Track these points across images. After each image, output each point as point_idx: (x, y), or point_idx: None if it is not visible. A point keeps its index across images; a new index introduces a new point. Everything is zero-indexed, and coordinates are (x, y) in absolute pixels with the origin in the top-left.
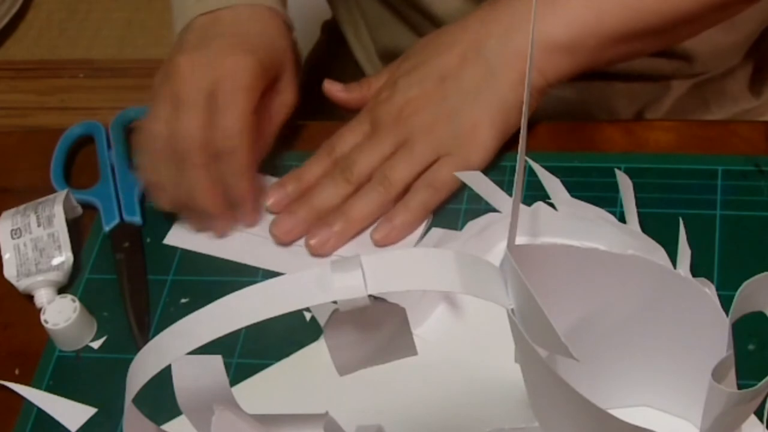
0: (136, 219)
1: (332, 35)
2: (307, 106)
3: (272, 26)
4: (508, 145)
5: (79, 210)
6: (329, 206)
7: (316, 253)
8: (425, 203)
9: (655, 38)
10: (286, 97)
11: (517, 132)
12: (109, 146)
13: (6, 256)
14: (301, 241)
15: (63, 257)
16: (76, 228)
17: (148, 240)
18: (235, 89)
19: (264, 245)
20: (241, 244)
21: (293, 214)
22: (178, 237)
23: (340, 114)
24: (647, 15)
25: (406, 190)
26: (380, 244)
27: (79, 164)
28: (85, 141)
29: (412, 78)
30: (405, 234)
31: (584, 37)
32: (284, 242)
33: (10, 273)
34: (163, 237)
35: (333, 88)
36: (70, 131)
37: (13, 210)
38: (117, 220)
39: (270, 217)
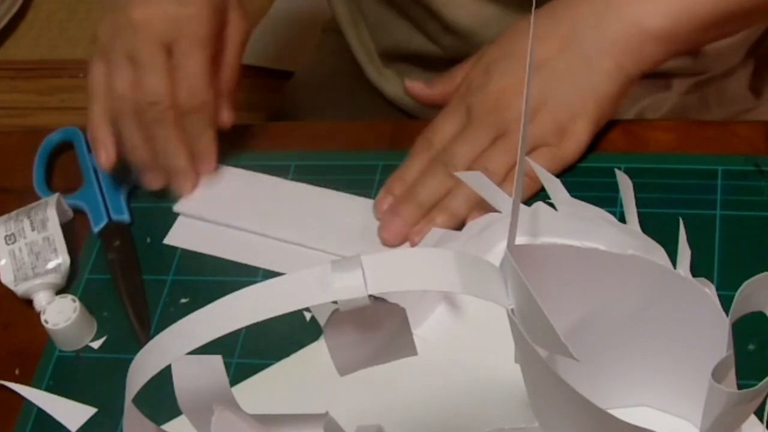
0: (124, 217)
1: (332, 35)
2: (307, 106)
3: None
4: None
5: (70, 213)
6: (434, 201)
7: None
8: (525, 192)
9: (746, 20)
10: (237, 24)
11: None
12: (89, 149)
13: (2, 262)
14: (299, 240)
15: (59, 260)
16: (69, 231)
17: (148, 240)
18: (193, 43)
19: (264, 245)
20: (242, 244)
21: (399, 215)
22: (179, 237)
23: (341, 114)
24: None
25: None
26: None
27: (59, 170)
28: (64, 147)
29: (505, 65)
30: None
31: (679, 26)
32: (394, 245)
33: (7, 278)
34: (157, 234)
35: (415, 87)
36: (48, 139)
37: (5, 216)
38: (105, 221)
39: (270, 212)
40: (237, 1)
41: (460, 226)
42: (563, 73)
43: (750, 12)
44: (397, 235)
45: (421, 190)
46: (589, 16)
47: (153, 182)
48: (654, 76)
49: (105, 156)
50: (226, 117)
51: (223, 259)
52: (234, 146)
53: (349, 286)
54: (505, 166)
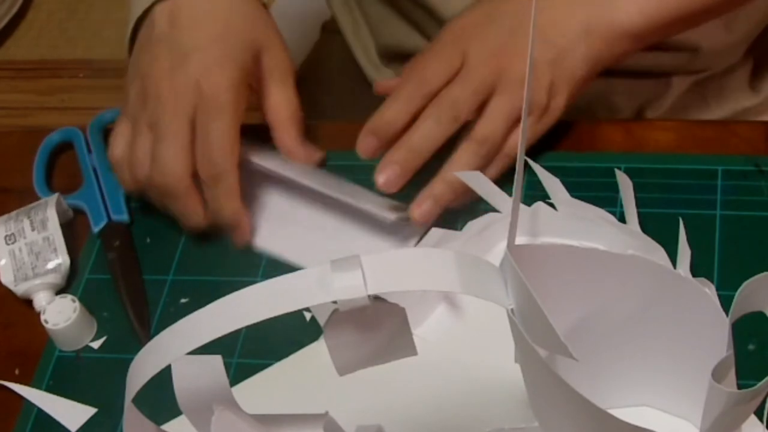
0: (124, 217)
1: (332, 35)
2: (307, 106)
3: (248, 5)
4: None
5: (71, 213)
6: (432, 149)
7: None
8: (501, 171)
9: (713, 12)
10: (285, 64)
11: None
12: (88, 149)
13: (2, 263)
14: (307, 224)
15: (59, 260)
16: (69, 231)
17: (148, 240)
18: (213, 113)
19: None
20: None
21: (397, 163)
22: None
23: (341, 114)
24: None
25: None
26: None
27: (59, 170)
28: (64, 147)
29: (503, 20)
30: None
31: (652, 22)
32: (392, 192)
33: (7, 279)
34: (156, 234)
35: (383, 84)
36: (48, 139)
37: (5, 216)
38: (105, 221)
39: (266, 200)
40: (279, 38)
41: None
42: (558, 42)
43: (718, 5)
44: (395, 184)
45: (420, 135)
46: (569, 8)
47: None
48: (653, 75)
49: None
50: (312, 156)
51: (223, 259)
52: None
53: (349, 286)
54: (506, 127)
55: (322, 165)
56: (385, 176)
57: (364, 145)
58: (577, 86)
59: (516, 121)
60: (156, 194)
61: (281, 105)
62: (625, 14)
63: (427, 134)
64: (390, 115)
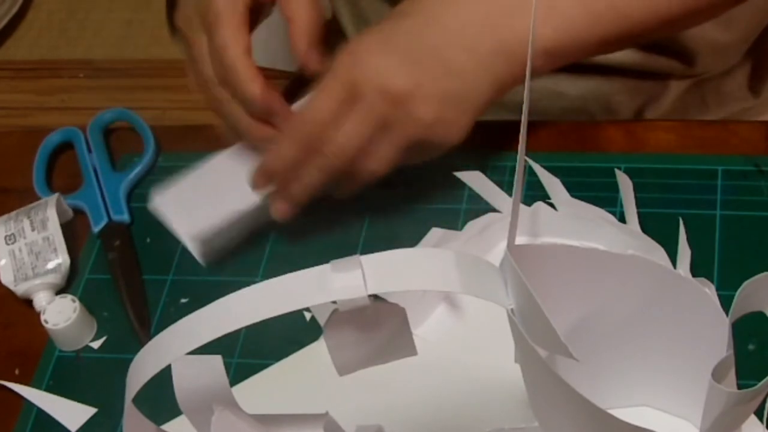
0: (124, 217)
1: (332, 35)
2: None
3: None
4: (508, 144)
5: (70, 213)
6: (311, 192)
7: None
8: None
9: (640, 39)
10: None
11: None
12: (88, 149)
13: (2, 263)
14: None
15: (59, 260)
16: (69, 231)
17: (148, 240)
18: (216, 14)
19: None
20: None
21: (285, 200)
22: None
23: None
24: (638, 20)
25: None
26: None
27: (59, 170)
28: (64, 147)
29: (398, 44)
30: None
31: (571, 43)
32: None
33: (7, 279)
34: (156, 234)
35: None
36: (48, 139)
37: (5, 216)
38: (105, 221)
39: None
40: None
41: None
42: (457, 68)
43: (646, 32)
44: (287, 216)
45: (297, 186)
46: (488, 21)
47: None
48: (653, 75)
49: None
50: (315, 62)
51: (223, 259)
52: None
53: (349, 286)
54: (388, 162)
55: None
56: (276, 209)
57: (255, 184)
58: (477, 113)
59: (371, 142)
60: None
61: (302, 8)
62: (539, 31)
63: (307, 183)
64: (273, 161)
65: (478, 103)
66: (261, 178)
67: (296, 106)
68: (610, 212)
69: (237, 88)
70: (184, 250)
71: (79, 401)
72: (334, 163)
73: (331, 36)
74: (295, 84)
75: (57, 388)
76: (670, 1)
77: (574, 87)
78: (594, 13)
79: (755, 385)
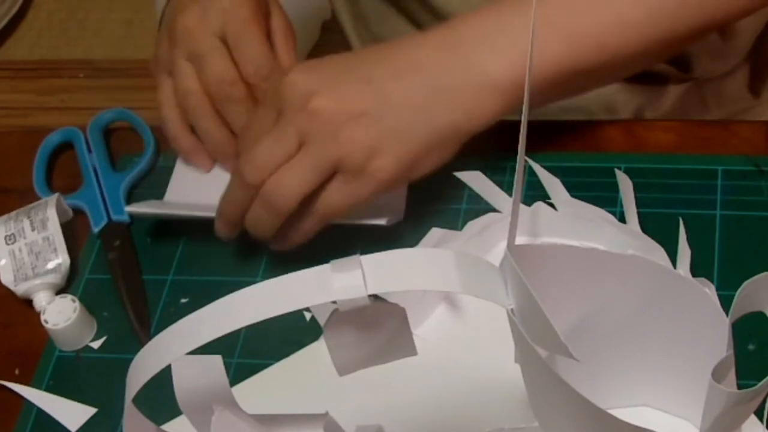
0: (124, 217)
1: (332, 35)
2: None
3: None
4: (508, 145)
5: (70, 213)
6: (240, 212)
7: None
8: (313, 229)
9: (598, 77)
10: (280, 20)
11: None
12: (88, 149)
13: (2, 263)
14: None
15: (59, 260)
16: (68, 231)
17: (148, 240)
18: (243, 23)
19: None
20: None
21: (219, 226)
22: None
23: None
24: (591, 52)
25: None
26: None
27: (59, 170)
28: (64, 147)
29: (333, 69)
30: (291, 247)
31: (520, 78)
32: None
33: (7, 279)
34: (156, 234)
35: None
36: (48, 139)
37: (5, 216)
38: (105, 221)
39: None
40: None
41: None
42: (394, 99)
43: (597, 72)
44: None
45: (224, 204)
46: (435, 57)
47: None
48: (649, 79)
49: (200, 161)
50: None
51: (223, 259)
52: None
53: (349, 286)
54: (299, 192)
55: None
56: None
57: (220, 233)
58: (419, 154)
59: (315, 185)
60: (206, 118)
61: (285, 27)
62: (489, 69)
63: (257, 224)
64: (226, 208)
65: (407, 140)
66: (224, 227)
67: None
68: (610, 212)
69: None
70: (184, 250)
71: (79, 401)
72: (253, 183)
73: (332, 36)
74: None
75: (57, 388)
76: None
77: None
78: (542, 42)
79: (755, 385)
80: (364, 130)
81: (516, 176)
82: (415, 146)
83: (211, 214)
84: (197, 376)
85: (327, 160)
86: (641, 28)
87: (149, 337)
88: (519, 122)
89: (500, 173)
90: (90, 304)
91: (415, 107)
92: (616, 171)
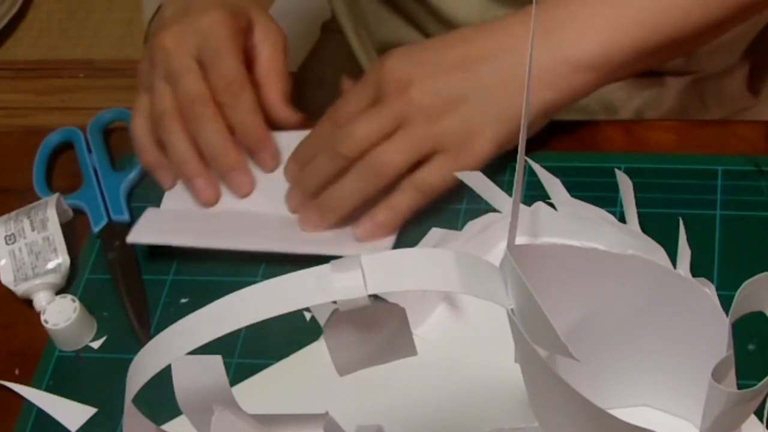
0: (124, 217)
1: (332, 35)
2: (307, 106)
3: None
4: None
5: (70, 213)
6: (323, 183)
7: (307, 231)
8: (410, 206)
9: (677, 49)
10: (278, 35)
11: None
12: (88, 149)
13: (2, 263)
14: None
15: (59, 260)
16: (69, 231)
17: None
18: (219, 41)
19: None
20: (213, 227)
21: (293, 196)
22: (144, 233)
23: None
24: (668, 29)
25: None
26: (361, 239)
27: (59, 170)
28: (64, 147)
29: (428, 55)
30: (387, 233)
31: (610, 55)
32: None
33: (7, 279)
34: None
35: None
36: (48, 139)
37: (5, 216)
38: (105, 221)
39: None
40: (267, 16)
41: (340, 221)
42: (488, 82)
43: (680, 42)
44: (293, 211)
45: (311, 171)
46: (523, 38)
47: (204, 191)
48: (648, 75)
49: (163, 177)
50: (291, 117)
51: (222, 259)
52: None
53: (349, 286)
54: (399, 164)
55: (303, 127)
56: (303, 222)
57: (290, 203)
58: (512, 131)
59: (413, 160)
60: (175, 135)
61: (270, 63)
62: (581, 49)
63: (318, 172)
64: (308, 178)
65: (507, 116)
66: (298, 197)
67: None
68: (610, 212)
69: (242, 114)
70: (184, 251)
71: (79, 401)
72: (347, 155)
73: (331, 36)
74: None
75: (57, 388)
76: (689, 14)
77: None
78: (621, 30)
79: (755, 385)
80: (461, 115)
81: (516, 176)
82: (509, 125)
83: (213, 244)
84: (197, 376)
85: (427, 140)
86: None
87: (149, 337)
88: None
89: (500, 173)
90: (90, 304)
91: (508, 88)
92: (616, 171)
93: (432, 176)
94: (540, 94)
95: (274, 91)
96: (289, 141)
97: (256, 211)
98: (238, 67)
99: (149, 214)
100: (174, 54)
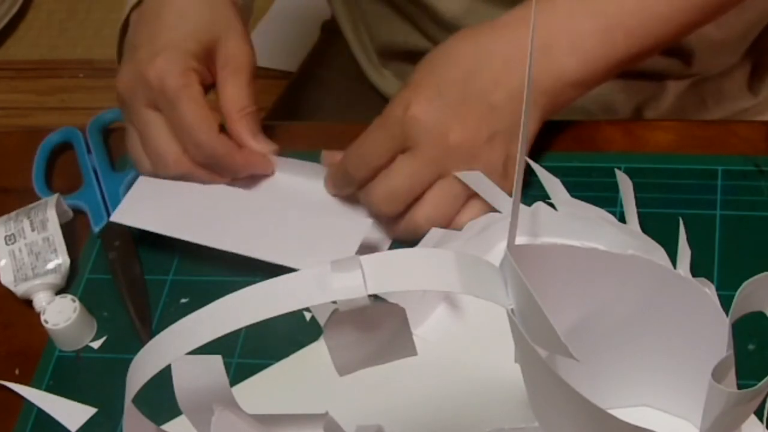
0: None
1: (332, 35)
2: (306, 106)
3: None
4: None
5: (70, 213)
6: None
7: None
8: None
9: (655, 51)
10: (240, 57)
11: None
12: (88, 149)
13: (2, 263)
14: (265, 218)
15: (59, 260)
16: (68, 231)
17: (148, 240)
18: (172, 97)
19: (225, 224)
20: (200, 223)
21: None
22: (129, 214)
23: (341, 114)
24: (655, 36)
25: None
26: None
27: (59, 170)
28: (64, 147)
29: (452, 97)
30: None
31: (596, 70)
32: None
33: (7, 279)
34: (156, 234)
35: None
36: (48, 139)
37: (5, 216)
38: (105, 221)
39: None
40: (232, 24)
41: None
42: (506, 109)
43: (661, 47)
44: None
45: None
46: (521, 59)
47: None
48: (651, 75)
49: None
50: (264, 149)
51: (222, 259)
52: None
53: (349, 286)
54: (451, 214)
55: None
56: None
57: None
58: (529, 146)
59: (463, 203)
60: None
61: (232, 98)
62: (566, 65)
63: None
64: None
65: (528, 138)
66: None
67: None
68: (610, 212)
69: (220, 162)
70: (184, 250)
71: (79, 401)
72: (386, 212)
73: (331, 36)
74: (295, 84)
75: (57, 388)
76: (672, 19)
77: None
78: (610, 42)
79: (755, 385)
80: (498, 148)
81: (516, 176)
82: (531, 139)
83: (190, 238)
84: (197, 376)
85: (458, 192)
86: None
87: (151, 337)
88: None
89: None
90: (90, 304)
91: (521, 113)
92: (616, 171)
93: (479, 213)
94: (534, 115)
95: (239, 129)
96: (282, 164)
97: (240, 212)
98: (195, 122)
99: (136, 192)
100: (132, 104)
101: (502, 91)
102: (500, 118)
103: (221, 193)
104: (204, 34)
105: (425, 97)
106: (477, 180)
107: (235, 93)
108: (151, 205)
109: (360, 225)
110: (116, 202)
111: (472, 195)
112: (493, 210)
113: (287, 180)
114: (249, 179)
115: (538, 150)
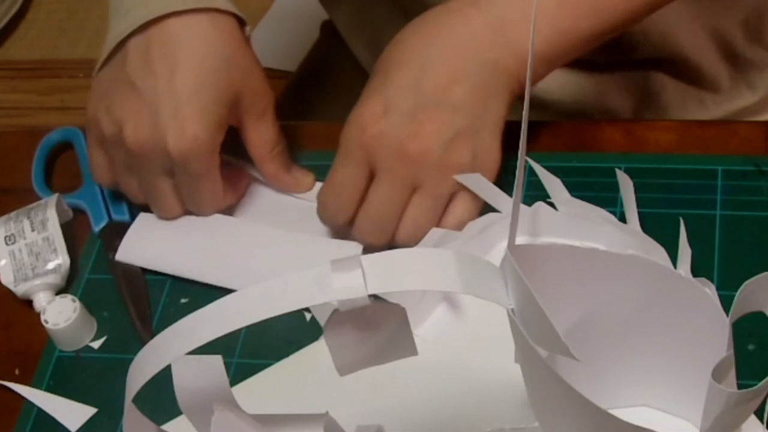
0: (125, 217)
1: (332, 35)
2: (306, 106)
3: (227, 46)
4: (509, 145)
5: (70, 213)
6: None
7: None
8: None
9: (621, 29)
10: (263, 100)
11: (516, 132)
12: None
13: (2, 263)
14: (262, 253)
15: (59, 260)
16: (68, 231)
17: None
18: (195, 173)
19: (224, 261)
20: (203, 261)
21: None
22: (132, 252)
23: (341, 114)
24: (621, 10)
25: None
26: None
27: (59, 170)
28: (64, 147)
29: (400, 103)
30: None
31: (560, 44)
32: None
33: (7, 279)
34: None
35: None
36: (47, 138)
37: (5, 217)
38: (106, 220)
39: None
40: (251, 72)
41: None
42: (466, 103)
43: (626, 23)
44: None
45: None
46: (476, 43)
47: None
48: (648, 78)
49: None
50: (300, 182)
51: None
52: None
53: (349, 286)
54: (432, 225)
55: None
56: None
57: None
58: (501, 131)
59: (444, 205)
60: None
61: (262, 142)
62: (525, 41)
63: None
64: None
65: (497, 124)
66: None
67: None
68: (610, 212)
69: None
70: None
71: (79, 401)
72: (377, 243)
73: (331, 36)
74: (294, 84)
75: (57, 388)
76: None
77: (572, 86)
78: (572, 16)
79: (755, 385)
80: (464, 146)
81: (516, 176)
82: (501, 123)
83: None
84: (197, 376)
85: (448, 192)
86: None
87: (151, 337)
88: (519, 122)
89: (500, 173)
90: (90, 304)
91: (485, 101)
92: (617, 171)
93: (462, 216)
94: (509, 90)
95: (274, 166)
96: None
97: (241, 245)
98: (207, 201)
99: (137, 228)
100: (145, 169)
101: (461, 85)
102: (463, 115)
103: (220, 223)
104: (226, 90)
105: (378, 114)
106: (476, 182)
107: (262, 136)
108: (153, 243)
109: (356, 249)
110: (116, 203)
111: (455, 191)
112: (478, 201)
113: (283, 200)
114: (247, 206)
115: (538, 150)
